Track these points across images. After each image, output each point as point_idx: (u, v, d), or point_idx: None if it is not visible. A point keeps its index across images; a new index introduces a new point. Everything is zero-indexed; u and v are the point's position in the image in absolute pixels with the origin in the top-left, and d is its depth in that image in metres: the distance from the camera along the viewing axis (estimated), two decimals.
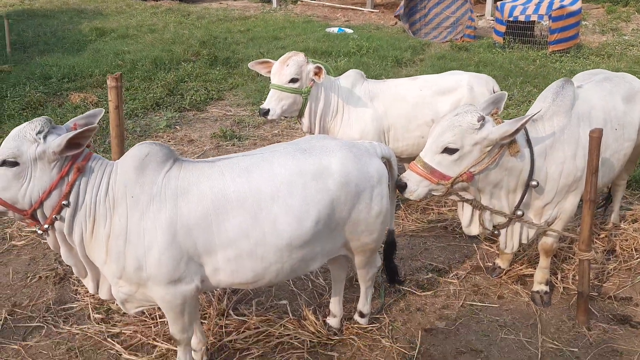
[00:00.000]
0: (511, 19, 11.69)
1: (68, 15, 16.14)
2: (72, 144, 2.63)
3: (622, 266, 4.45)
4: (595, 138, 3.40)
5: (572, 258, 4.48)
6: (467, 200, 3.63)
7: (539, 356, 3.51)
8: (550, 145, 3.58)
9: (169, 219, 2.69)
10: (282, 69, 4.45)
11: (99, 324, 3.75)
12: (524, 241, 3.82)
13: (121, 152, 4.07)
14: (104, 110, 3.03)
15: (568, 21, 11.20)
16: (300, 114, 4.64)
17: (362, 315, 3.71)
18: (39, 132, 2.64)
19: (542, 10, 11.25)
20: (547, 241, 3.92)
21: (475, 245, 4.73)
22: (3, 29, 11.04)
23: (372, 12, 18.87)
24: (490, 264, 4.47)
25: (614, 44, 12.81)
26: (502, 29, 11.91)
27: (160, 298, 2.82)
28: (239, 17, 17.63)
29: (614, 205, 4.90)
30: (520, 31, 11.79)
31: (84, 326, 3.73)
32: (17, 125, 2.78)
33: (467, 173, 3.37)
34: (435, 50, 12.48)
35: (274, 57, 10.98)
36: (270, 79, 4.55)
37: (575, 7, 11.27)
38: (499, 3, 12.48)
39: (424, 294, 4.12)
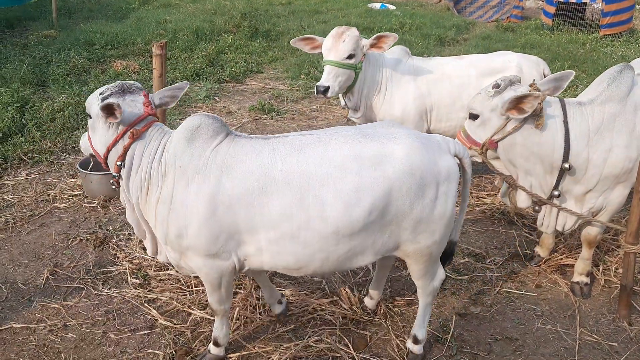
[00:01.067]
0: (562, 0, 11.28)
1: None
2: (109, 112, 2.73)
3: None
4: None
5: (615, 250, 4.35)
6: (502, 175, 3.73)
7: (577, 348, 3.43)
8: (596, 131, 3.44)
9: (211, 193, 2.66)
10: (339, 45, 4.30)
11: (136, 288, 3.83)
12: (559, 228, 3.72)
13: (163, 121, 4.10)
14: (188, 83, 3.13)
15: (622, 4, 10.73)
16: (348, 90, 4.55)
17: (416, 341, 3.28)
18: (101, 94, 2.80)
19: None
20: (591, 232, 3.80)
21: (514, 232, 4.63)
22: None
23: None
24: (529, 252, 4.37)
25: None
26: (552, 10, 11.49)
27: (198, 269, 2.85)
28: None
29: None
30: (570, 13, 11.37)
31: (122, 290, 3.81)
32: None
33: (490, 140, 3.46)
34: (480, 30, 12.15)
35: (315, 31, 10.90)
36: (320, 55, 4.44)
37: None
38: None
39: (460, 278, 4.06)
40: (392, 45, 4.39)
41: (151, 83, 7.64)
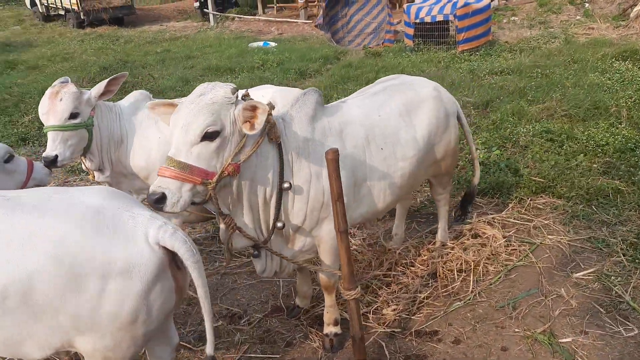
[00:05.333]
0: (418, 20, 11.27)
1: None
2: None
3: (440, 292, 3.94)
4: (331, 160, 2.85)
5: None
6: (222, 215, 2.96)
7: None
8: (297, 154, 3.06)
9: None
10: (56, 106, 3.81)
11: None
12: (277, 269, 3.32)
13: None
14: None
15: (475, 19, 10.78)
16: (86, 152, 4.08)
17: None
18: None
19: (447, 10, 10.83)
20: (322, 277, 3.42)
21: (281, 281, 4.20)
22: None
23: (306, 23, 18.53)
24: (292, 303, 3.95)
25: (535, 38, 12.41)
26: (411, 31, 11.49)
27: None
28: (170, 38, 17.26)
29: (439, 222, 4.39)
30: (429, 32, 11.37)
31: None
32: None
33: (234, 164, 2.73)
34: (351, 57, 12.04)
35: (184, 76, 10.50)
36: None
37: (481, 5, 10.86)
38: (405, 6, 12.09)
39: (200, 347, 3.58)
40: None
41: None
